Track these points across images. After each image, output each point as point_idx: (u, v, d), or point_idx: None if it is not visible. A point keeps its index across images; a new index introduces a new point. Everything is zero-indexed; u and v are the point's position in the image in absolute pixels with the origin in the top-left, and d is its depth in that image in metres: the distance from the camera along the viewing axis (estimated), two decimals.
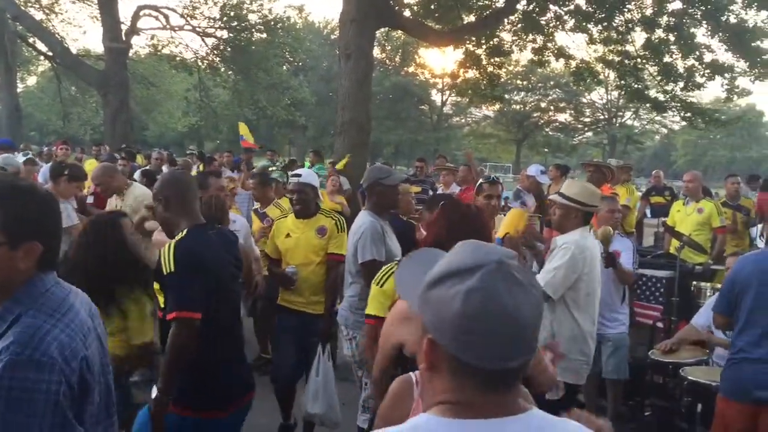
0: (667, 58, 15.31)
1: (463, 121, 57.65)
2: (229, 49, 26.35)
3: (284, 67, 34.20)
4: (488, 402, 1.17)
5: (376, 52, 27.41)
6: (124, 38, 20.63)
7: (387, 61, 47.18)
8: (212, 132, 47.38)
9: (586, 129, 55.08)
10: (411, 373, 2.00)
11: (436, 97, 54.97)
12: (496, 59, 16.21)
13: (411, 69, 51.69)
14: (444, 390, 1.20)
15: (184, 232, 2.94)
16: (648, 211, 11.21)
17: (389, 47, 43.77)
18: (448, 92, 48.84)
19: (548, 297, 3.87)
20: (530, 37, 15.62)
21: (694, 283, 6.00)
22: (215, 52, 26.73)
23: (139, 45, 38.76)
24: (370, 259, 4.12)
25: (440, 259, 1.27)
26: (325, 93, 46.22)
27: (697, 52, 15.05)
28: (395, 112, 49.04)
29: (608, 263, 4.79)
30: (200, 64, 27.55)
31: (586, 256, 3.91)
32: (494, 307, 1.12)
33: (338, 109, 11.79)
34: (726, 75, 15.22)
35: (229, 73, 28.64)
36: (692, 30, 14.86)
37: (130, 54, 24.58)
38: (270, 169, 12.15)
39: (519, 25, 15.55)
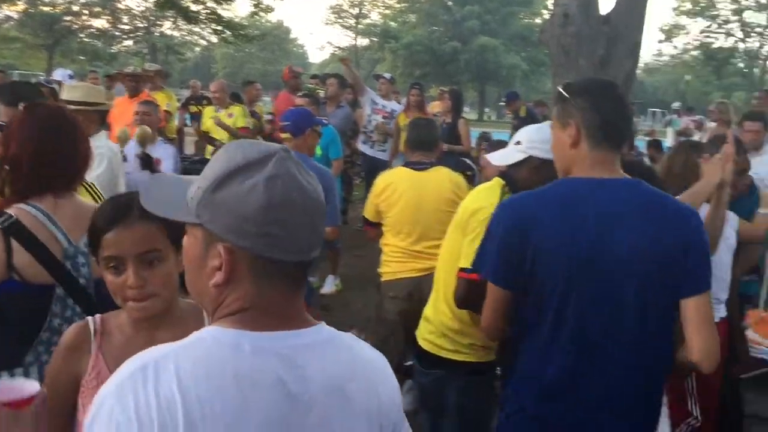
0: None
1: None
2: None
3: None
4: (289, 307, 1.09)
5: None
6: None
7: None
8: None
9: (125, 37, 53.11)
10: (89, 318, 1.66)
11: None
12: None
13: None
14: (238, 298, 1.07)
15: None
16: (188, 119, 11.74)
17: None
18: None
19: None
20: None
21: None
22: None
23: None
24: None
25: (182, 181, 1.17)
26: None
27: None
28: None
29: (144, 165, 4.78)
30: None
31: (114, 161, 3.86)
32: (297, 193, 1.05)
33: None
34: None
35: None
36: None
37: None
38: None
39: None
